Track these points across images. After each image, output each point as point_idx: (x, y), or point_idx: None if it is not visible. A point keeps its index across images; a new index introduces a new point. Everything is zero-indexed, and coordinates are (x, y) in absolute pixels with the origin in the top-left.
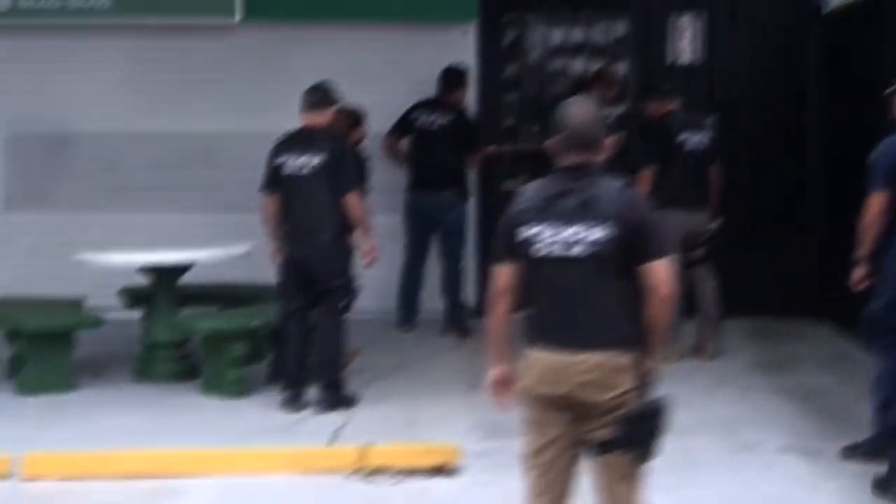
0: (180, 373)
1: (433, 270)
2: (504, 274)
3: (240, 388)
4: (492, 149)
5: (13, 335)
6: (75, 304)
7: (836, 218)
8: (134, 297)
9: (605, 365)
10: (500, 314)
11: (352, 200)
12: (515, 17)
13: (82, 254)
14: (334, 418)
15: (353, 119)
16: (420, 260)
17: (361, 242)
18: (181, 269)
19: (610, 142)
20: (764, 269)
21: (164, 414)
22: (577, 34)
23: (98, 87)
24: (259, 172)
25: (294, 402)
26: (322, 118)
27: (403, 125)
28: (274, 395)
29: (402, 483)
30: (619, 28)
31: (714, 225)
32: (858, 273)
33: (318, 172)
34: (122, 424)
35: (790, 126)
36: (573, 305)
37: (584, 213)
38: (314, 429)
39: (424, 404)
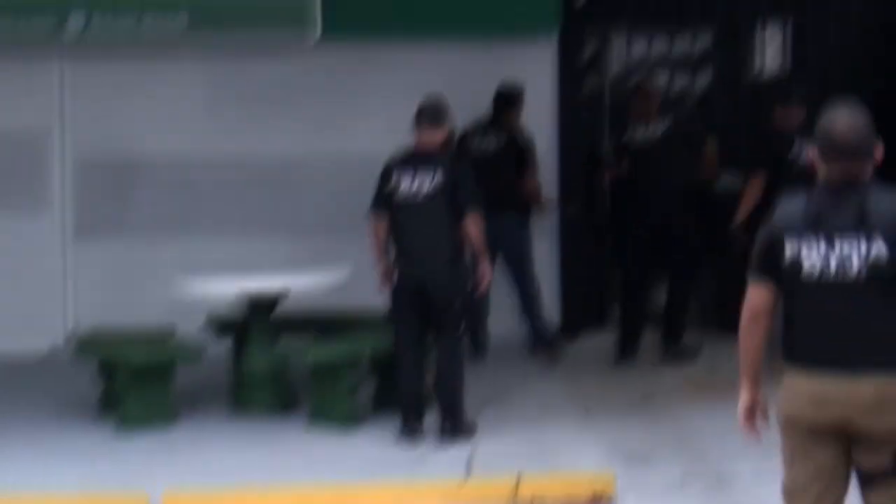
0: (279, 404)
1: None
2: (761, 294)
3: (353, 420)
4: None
5: (110, 369)
6: (169, 335)
7: None
8: (223, 325)
9: (886, 389)
10: (754, 337)
11: (471, 223)
12: (596, 29)
13: (177, 281)
14: (458, 449)
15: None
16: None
17: (478, 266)
18: (278, 297)
19: (879, 151)
20: None
21: (279, 448)
22: (659, 47)
23: (172, 111)
24: (338, 195)
25: (413, 432)
26: (437, 136)
27: (460, 149)
28: (385, 426)
29: None
30: (705, 40)
31: None
32: None
33: (436, 193)
34: (240, 460)
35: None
36: (848, 326)
37: (859, 228)
38: (443, 460)
39: (547, 431)
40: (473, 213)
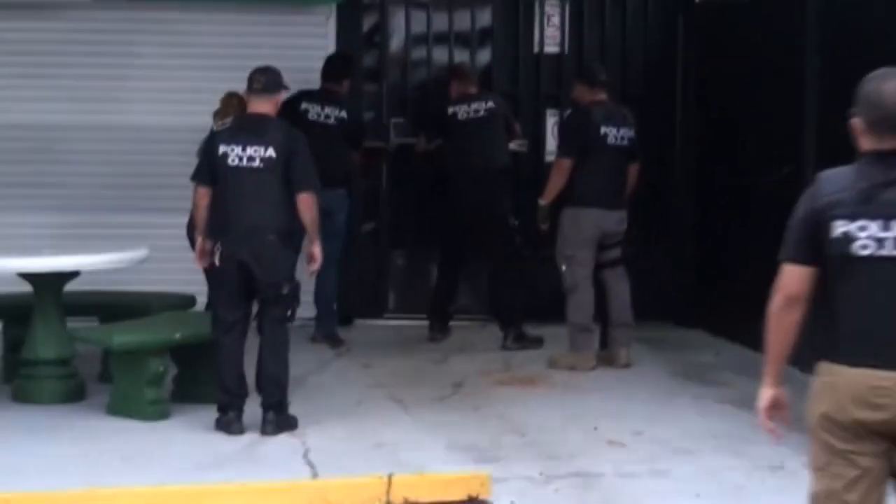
0: (67, 393)
1: None
2: (798, 277)
3: (162, 410)
4: (380, 144)
5: None
6: None
7: (705, 225)
8: None
9: None
10: (787, 326)
11: (304, 202)
12: (374, 2)
13: None
14: (285, 444)
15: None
16: None
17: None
18: (67, 276)
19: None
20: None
21: (83, 443)
22: (439, 21)
23: None
24: (112, 168)
25: (231, 424)
26: (270, 105)
27: (293, 116)
28: (194, 418)
29: None
30: (485, 16)
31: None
32: None
33: (268, 167)
34: (42, 454)
35: (660, 122)
36: None
37: None
38: (275, 456)
39: (372, 425)
40: (308, 191)
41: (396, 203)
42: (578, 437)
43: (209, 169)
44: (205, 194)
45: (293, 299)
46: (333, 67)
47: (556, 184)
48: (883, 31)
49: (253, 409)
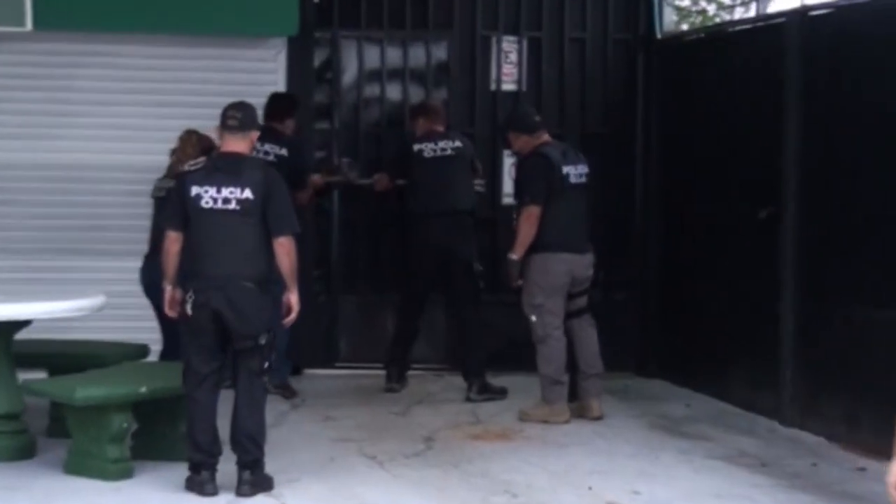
0: (19, 450)
1: None
2: None
3: (125, 469)
4: (318, 179)
5: None
6: None
7: (669, 270)
8: None
9: None
10: None
11: (282, 246)
12: (328, 34)
13: None
14: None
15: (206, 146)
16: None
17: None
18: (18, 325)
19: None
20: None
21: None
22: (394, 56)
23: None
24: (56, 209)
25: (208, 484)
26: (245, 144)
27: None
28: (159, 478)
29: None
30: (440, 51)
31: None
32: None
33: (247, 208)
34: None
35: (622, 162)
36: None
37: None
38: None
39: (351, 485)
40: (287, 235)
41: (348, 246)
42: (573, 497)
43: (180, 212)
44: (176, 239)
45: (270, 350)
46: (277, 106)
47: (527, 235)
48: (869, 68)
49: (226, 467)
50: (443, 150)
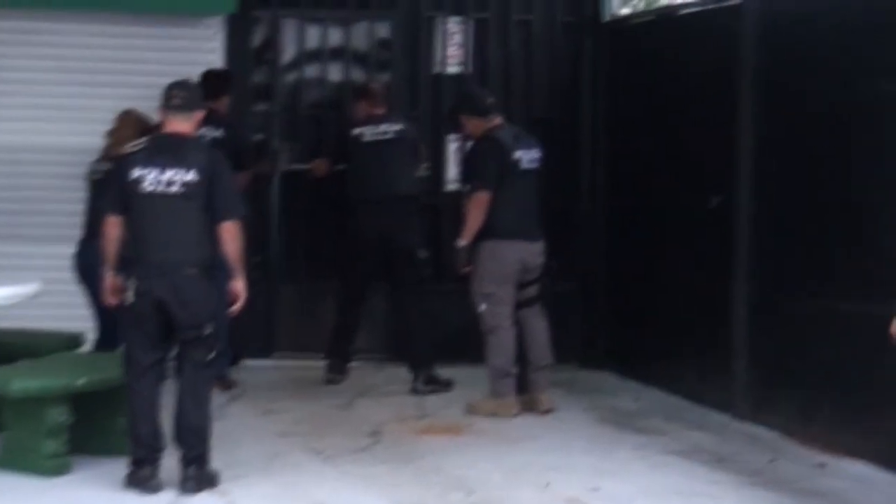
0: None
1: None
2: None
3: (62, 464)
4: (265, 165)
5: None
6: None
7: (616, 259)
8: None
9: None
10: None
11: (228, 231)
12: (267, 13)
13: None
14: (211, 501)
15: (145, 127)
16: None
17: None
18: None
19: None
20: None
21: None
22: (335, 36)
23: None
24: None
25: (150, 480)
26: (190, 124)
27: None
28: (97, 473)
29: None
30: (384, 31)
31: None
32: None
33: (191, 191)
34: None
35: (568, 147)
36: None
37: None
38: None
39: (298, 481)
40: (233, 219)
41: (287, 233)
42: (531, 494)
43: (120, 195)
44: (115, 224)
45: (216, 340)
46: (212, 84)
47: (476, 221)
48: (825, 54)
49: (169, 462)
50: (383, 133)
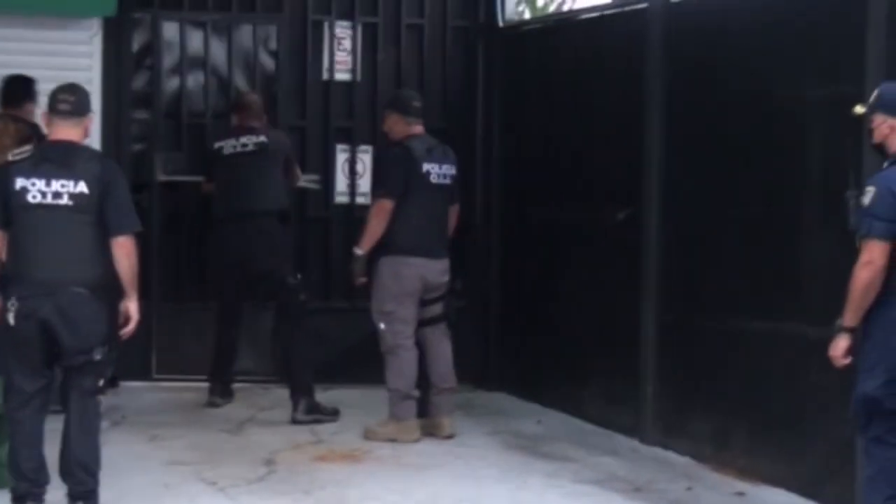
0: None
1: None
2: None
3: None
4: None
5: None
6: None
7: (512, 275)
8: None
9: None
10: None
11: (125, 243)
12: (147, 15)
13: None
14: None
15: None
16: None
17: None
18: None
19: None
20: None
21: None
22: (218, 40)
23: None
24: None
25: None
26: (79, 130)
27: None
28: None
29: None
30: (269, 36)
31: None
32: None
33: (81, 203)
34: None
35: (462, 157)
36: None
37: None
38: None
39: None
40: (127, 234)
41: (167, 250)
42: None
43: (2, 207)
44: None
45: (106, 367)
46: (10, 91)
47: (375, 229)
48: (734, 61)
49: (54, 496)
50: (243, 146)
